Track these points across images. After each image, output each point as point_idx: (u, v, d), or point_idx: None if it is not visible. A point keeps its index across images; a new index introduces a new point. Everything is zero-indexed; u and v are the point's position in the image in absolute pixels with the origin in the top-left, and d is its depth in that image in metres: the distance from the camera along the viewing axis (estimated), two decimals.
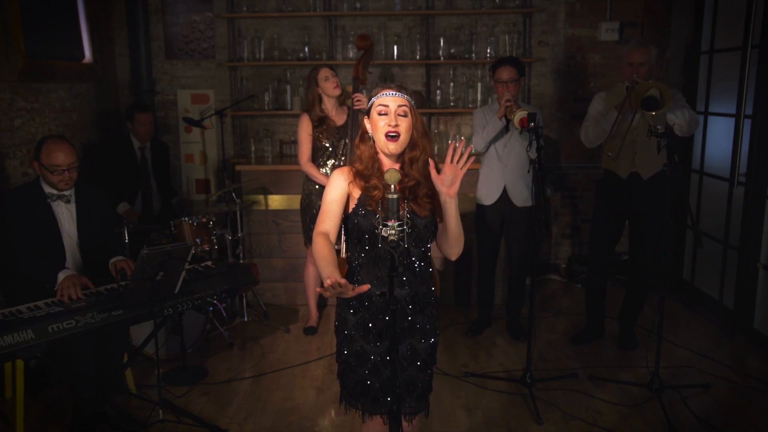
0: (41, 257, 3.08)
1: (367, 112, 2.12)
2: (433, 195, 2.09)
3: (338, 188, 2.13)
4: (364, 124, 2.14)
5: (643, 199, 3.80)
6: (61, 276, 2.99)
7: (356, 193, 2.12)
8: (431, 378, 2.25)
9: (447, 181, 1.97)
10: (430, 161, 2.04)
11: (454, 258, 2.20)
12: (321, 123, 4.08)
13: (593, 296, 4.11)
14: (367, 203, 2.09)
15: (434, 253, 2.29)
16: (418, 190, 2.09)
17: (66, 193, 3.17)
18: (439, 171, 2.00)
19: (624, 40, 5.11)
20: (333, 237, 2.10)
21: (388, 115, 2.04)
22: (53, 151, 3.06)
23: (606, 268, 4.08)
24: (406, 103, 2.06)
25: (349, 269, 2.21)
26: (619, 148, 3.67)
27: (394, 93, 2.06)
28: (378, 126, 2.05)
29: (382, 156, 2.13)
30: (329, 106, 4.10)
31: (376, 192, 2.07)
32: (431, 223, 2.12)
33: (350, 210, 2.14)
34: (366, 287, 1.90)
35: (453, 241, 2.12)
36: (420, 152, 2.09)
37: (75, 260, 3.24)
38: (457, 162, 1.95)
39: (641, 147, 3.70)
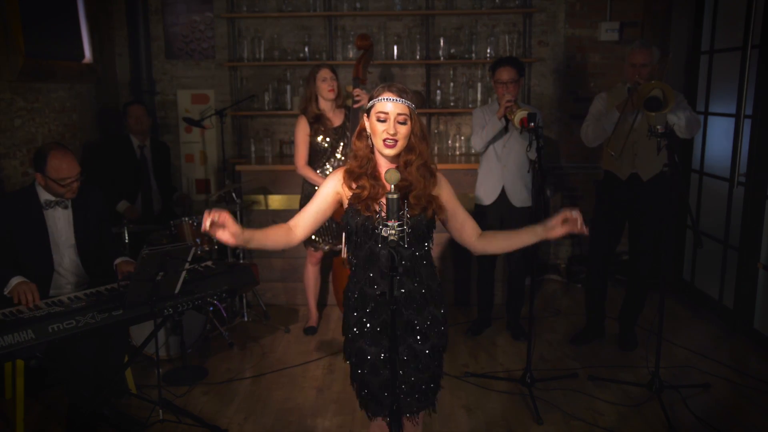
0: (3, 264, 3.01)
1: (367, 112, 2.11)
2: (422, 197, 2.09)
3: (329, 187, 2.16)
4: (363, 122, 2.13)
5: (643, 200, 3.80)
6: (14, 281, 2.93)
7: (348, 193, 2.13)
8: (437, 378, 2.22)
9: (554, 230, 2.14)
10: (441, 178, 2.17)
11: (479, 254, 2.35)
12: (317, 121, 4.07)
13: (593, 296, 4.11)
14: (355, 203, 2.10)
15: (434, 252, 2.29)
16: (410, 191, 2.08)
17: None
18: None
19: (624, 40, 5.11)
20: (300, 231, 2.19)
21: (387, 122, 2.03)
22: (60, 165, 3.02)
23: (606, 268, 4.08)
24: (407, 110, 2.04)
25: (350, 270, 2.22)
26: (621, 149, 3.67)
27: (395, 99, 2.03)
28: (377, 131, 2.05)
29: (378, 156, 2.13)
30: (325, 106, 4.10)
31: (364, 192, 2.08)
32: (423, 222, 2.11)
33: (344, 210, 2.16)
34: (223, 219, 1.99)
35: (498, 251, 2.34)
36: (416, 156, 2.09)
37: (73, 263, 3.24)
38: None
39: (642, 148, 3.70)
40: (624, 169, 3.81)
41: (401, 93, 2.05)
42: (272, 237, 2.16)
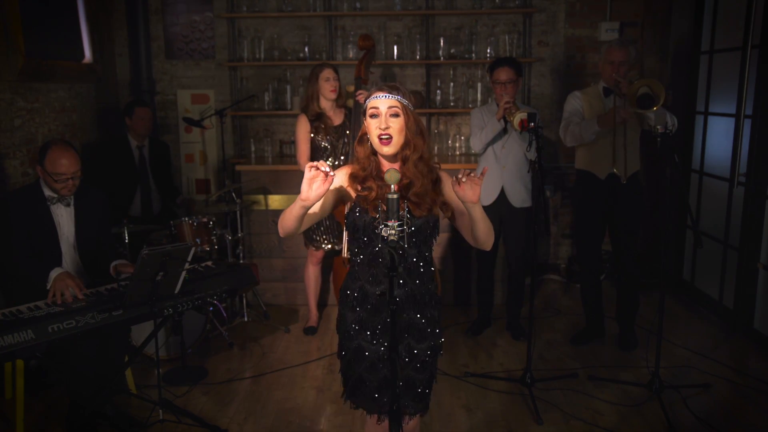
0: (37, 259, 3.07)
1: (363, 114, 2.13)
2: (427, 193, 2.10)
3: (336, 181, 2.14)
4: (364, 126, 2.15)
5: (622, 198, 3.82)
6: (53, 275, 2.96)
7: (353, 194, 2.14)
8: (432, 379, 2.24)
9: (468, 192, 1.95)
10: (444, 176, 2.11)
11: (488, 248, 2.19)
12: (318, 119, 4.08)
13: (589, 297, 4.11)
14: (362, 203, 2.10)
15: (434, 252, 2.29)
16: (412, 188, 2.09)
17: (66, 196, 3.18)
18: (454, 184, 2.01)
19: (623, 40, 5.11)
20: (309, 218, 2.09)
21: (379, 117, 2.05)
22: (58, 159, 3.04)
23: (597, 267, 4.09)
24: (397, 104, 2.05)
25: (350, 268, 2.23)
26: (624, 162, 3.68)
27: (386, 95, 2.06)
28: (371, 128, 2.07)
29: (380, 157, 2.14)
30: (326, 105, 4.10)
31: (371, 193, 2.08)
32: (429, 223, 2.12)
33: (348, 208, 2.16)
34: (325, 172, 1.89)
35: (484, 237, 2.12)
36: (411, 151, 2.09)
37: (74, 262, 3.25)
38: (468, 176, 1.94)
39: (620, 147, 3.70)
40: (603, 169, 3.82)
41: (392, 89, 2.07)
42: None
